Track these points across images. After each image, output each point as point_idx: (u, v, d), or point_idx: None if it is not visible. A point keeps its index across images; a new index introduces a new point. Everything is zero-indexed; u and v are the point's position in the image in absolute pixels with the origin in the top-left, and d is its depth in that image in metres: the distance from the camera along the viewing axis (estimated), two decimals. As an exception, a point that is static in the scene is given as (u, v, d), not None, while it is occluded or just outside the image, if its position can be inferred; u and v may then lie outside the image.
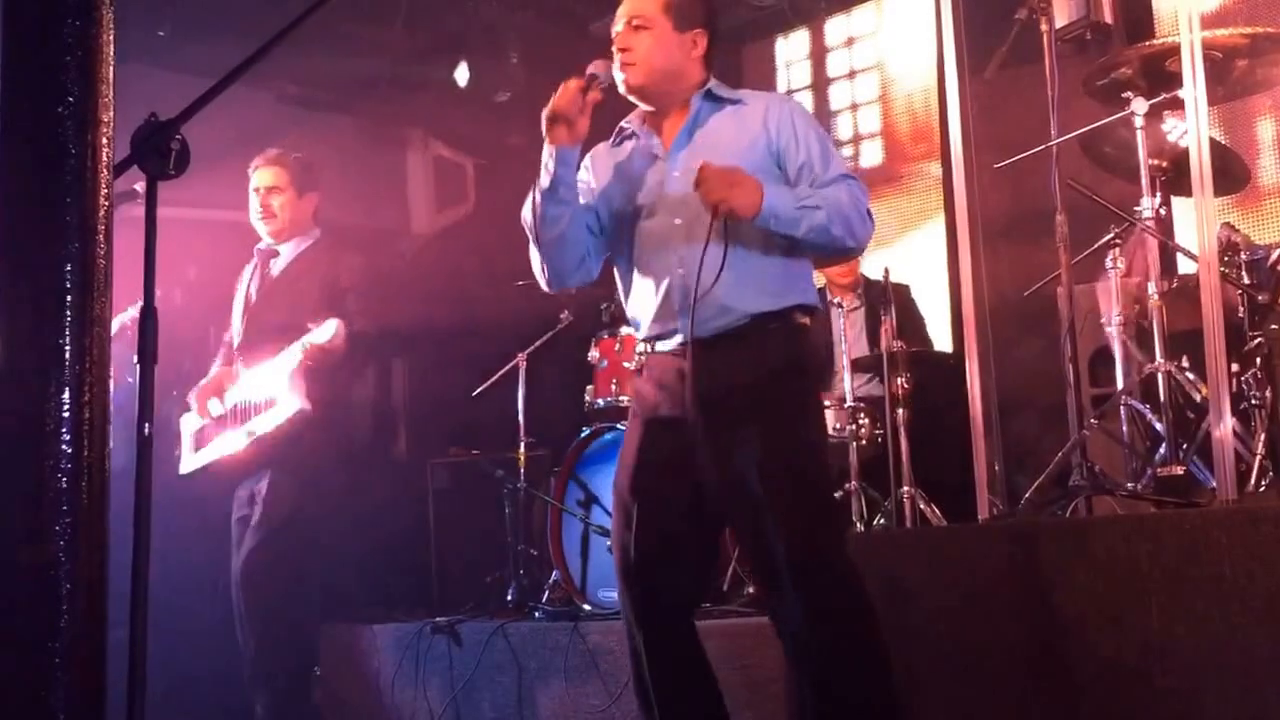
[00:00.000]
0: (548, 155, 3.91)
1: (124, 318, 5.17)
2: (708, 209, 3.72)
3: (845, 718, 3.68)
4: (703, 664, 3.95)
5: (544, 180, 3.92)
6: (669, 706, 3.89)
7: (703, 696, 3.94)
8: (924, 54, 7.57)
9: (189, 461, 5.89)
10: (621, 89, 4.00)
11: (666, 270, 3.92)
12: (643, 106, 4.08)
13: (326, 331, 5.50)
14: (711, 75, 4.09)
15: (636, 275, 4.03)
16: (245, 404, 5.71)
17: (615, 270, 4.15)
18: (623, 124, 4.15)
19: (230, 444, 5.73)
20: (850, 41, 8.48)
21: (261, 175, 5.94)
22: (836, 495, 6.09)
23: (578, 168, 4.00)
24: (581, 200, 4.05)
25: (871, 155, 7.97)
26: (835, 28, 8.56)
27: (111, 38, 2.50)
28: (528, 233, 4.02)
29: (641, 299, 4.02)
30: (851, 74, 8.41)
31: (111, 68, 2.49)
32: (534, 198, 3.93)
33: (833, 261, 6.30)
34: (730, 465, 3.76)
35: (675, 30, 3.99)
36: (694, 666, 3.93)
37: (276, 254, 5.96)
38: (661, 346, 3.97)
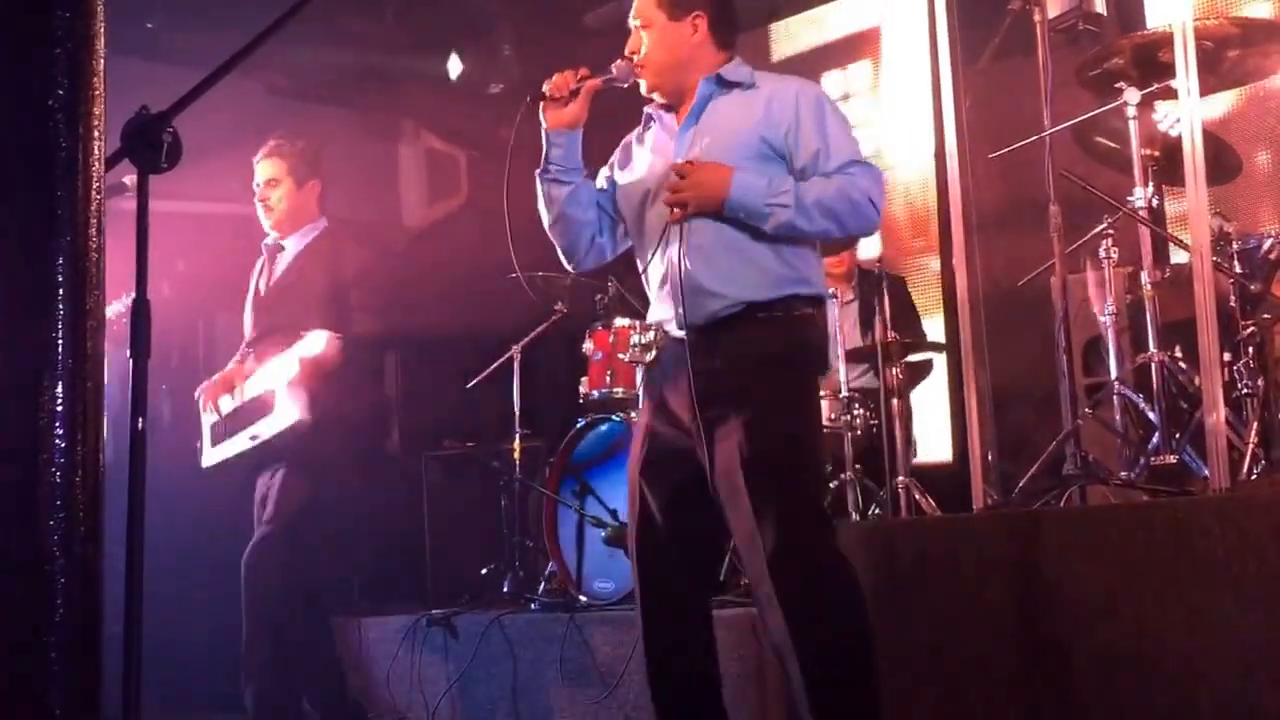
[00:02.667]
0: (543, 136, 3.99)
1: (111, 312, 5.17)
2: (674, 217, 3.83)
3: (832, 712, 3.67)
4: (709, 656, 3.96)
5: (543, 161, 4.01)
6: (668, 698, 3.91)
7: (705, 689, 3.95)
8: (922, 146, 7.38)
9: (209, 456, 5.86)
10: (644, 92, 4.07)
11: (665, 255, 3.94)
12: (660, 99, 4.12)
13: (316, 344, 5.48)
14: (732, 55, 4.10)
15: (643, 259, 4.08)
16: (250, 405, 5.71)
17: (636, 255, 4.20)
18: (646, 109, 4.18)
19: (237, 446, 5.73)
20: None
21: (260, 169, 5.91)
22: (831, 486, 6.11)
23: (581, 150, 4.05)
24: (602, 185, 4.15)
25: (869, 248, 7.62)
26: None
27: (102, 30, 2.49)
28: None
29: (649, 283, 4.07)
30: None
31: (102, 60, 2.49)
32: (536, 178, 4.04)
33: (831, 249, 6.29)
34: (717, 453, 3.78)
35: (671, 20, 4.00)
36: (700, 660, 3.95)
37: (282, 249, 5.93)
38: (668, 331, 3.98)
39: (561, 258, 4.22)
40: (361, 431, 6.05)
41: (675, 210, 3.82)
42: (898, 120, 7.97)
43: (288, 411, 5.49)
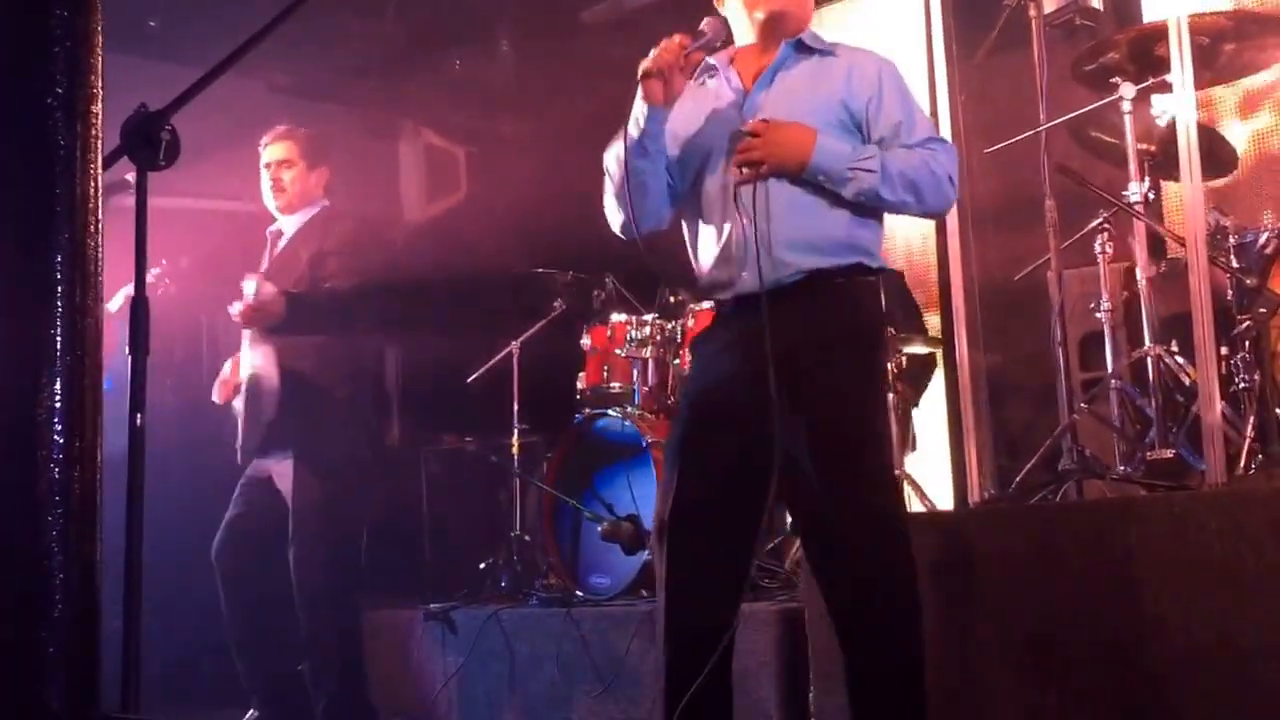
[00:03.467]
0: (640, 111, 3.79)
1: (112, 305, 5.20)
2: (746, 177, 3.69)
3: (883, 687, 3.61)
4: (727, 652, 3.76)
5: (633, 133, 3.80)
6: (679, 689, 3.72)
7: (719, 686, 3.76)
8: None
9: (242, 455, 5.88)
10: (760, 14, 3.91)
11: (729, 217, 3.80)
12: (744, 43, 3.99)
13: (248, 288, 5.56)
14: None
15: (702, 222, 3.92)
16: (235, 383, 5.77)
17: (683, 215, 4.02)
18: (709, 60, 4.01)
19: (239, 422, 5.76)
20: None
21: (272, 150, 5.94)
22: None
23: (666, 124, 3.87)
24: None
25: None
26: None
27: (101, 28, 2.50)
28: (607, 177, 3.92)
29: (705, 246, 3.91)
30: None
31: (101, 58, 2.50)
32: (621, 148, 3.82)
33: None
34: (789, 429, 3.61)
35: None
36: (719, 651, 3.73)
37: (282, 233, 5.97)
38: (721, 297, 3.86)
39: (618, 222, 3.96)
40: (369, 417, 6.07)
41: (746, 170, 3.69)
42: None
43: (248, 365, 5.61)
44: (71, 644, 2.32)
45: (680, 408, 4.00)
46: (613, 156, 3.88)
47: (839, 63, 3.89)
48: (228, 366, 5.93)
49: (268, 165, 5.92)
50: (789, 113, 3.77)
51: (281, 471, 5.69)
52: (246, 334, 5.69)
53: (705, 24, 3.84)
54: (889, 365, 6.07)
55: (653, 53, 3.76)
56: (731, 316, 3.84)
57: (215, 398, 5.92)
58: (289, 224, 5.97)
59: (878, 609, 3.61)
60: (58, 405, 2.33)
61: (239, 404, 5.76)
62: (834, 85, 3.83)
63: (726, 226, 3.81)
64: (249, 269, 5.91)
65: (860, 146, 3.75)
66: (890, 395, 6.13)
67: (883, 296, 3.88)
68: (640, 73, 3.75)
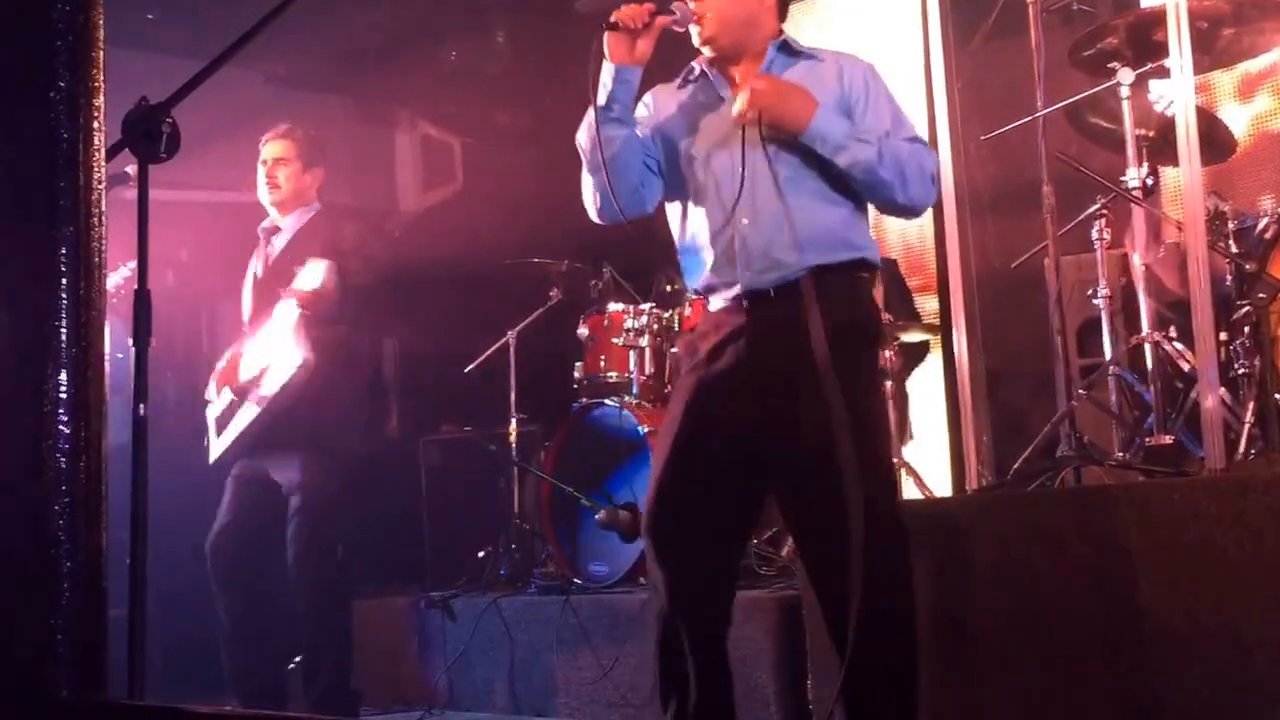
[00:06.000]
0: (605, 73, 3.80)
1: (116, 278, 5.23)
2: (744, 118, 3.68)
3: (876, 684, 3.60)
4: (722, 644, 3.82)
5: (600, 98, 3.80)
6: (671, 676, 3.77)
7: (713, 674, 3.79)
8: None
9: (216, 447, 5.86)
10: (696, 42, 3.89)
11: (723, 219, 3.79)
12: (710, 54, 3.95)
13: (315, 274, 5.57)
14: (782, 29, 3.98)
15: (691, 223, 3.91)
16: (252, 375, 5.73)
17: (670, 217, 4.02)
18: (693, 64, 4.01)
19: (246, 416, 5.74)
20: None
21: (270, 148, 5.99)
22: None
23: (638, 96, 3.89)
24: (640, 132, 3.92)
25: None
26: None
27: (102, 21, 2.50)
28: (582, 157, 3.89)
29: (697, 249, 3.90)
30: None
31: (103, 51, 2.50)
32: (589, 117, 3.81)
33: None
34: (786, 429, 3.65)
35: None
36: (714, 645, 3.80)
37: (278, 230, 5.98)
38: (716, 301, 3.85)
39: (595, 205, 3.93)
40: (368, 406, 6.10)
41: (747, 114, 3.66)
42: None
43: (291, 356, 5.53)
44: (79, 631, 2.34)
45: (673, 400, 3.99)
46: (584, 130, 3.86)
47: (827, 66, 3.89)
48: (226, 359, 5.94)
49: (264, 162, 5.97)
50: None
51: (282, 466, 5.69)
52: (278, 327, 5.66)
53: (676, 6, 3.82)
54: (887, 354, 6.11)
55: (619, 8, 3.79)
56: (731, 315, 3.82)
57: (212, 391, 5.90)
58: (286, 223, 5.99)
59: (872, 609, 3.55)
60: (63, 396, 2.34)
61: (227, 391, 5.77)
62: (829, 86, 3.83)
63: (721, 229, 3.81)
64: (247, 261, 5.93)
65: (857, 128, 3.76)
66: (889, 385, 6.17)
67: (880, 289, 3.90)
68: (605, 25, 3.76)
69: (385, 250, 6.04)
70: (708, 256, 3.85)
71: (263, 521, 5.68)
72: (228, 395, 5.80)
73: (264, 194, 5.98)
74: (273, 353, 5.62)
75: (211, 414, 5.89)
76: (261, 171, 5.97)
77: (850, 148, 3.68)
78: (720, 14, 3.85)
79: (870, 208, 3.89)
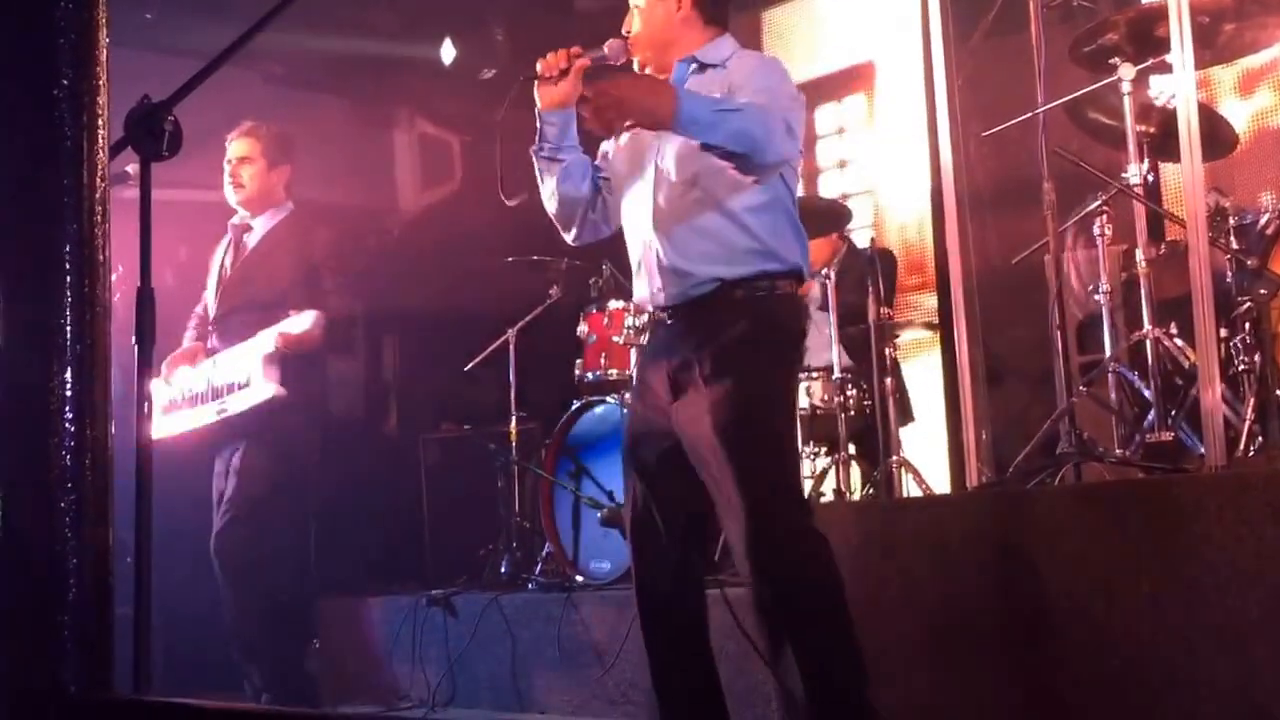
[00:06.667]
0: (536, 116, 4.01)
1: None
2: (593, 125, 3.78)
3: (819, 688, 3.64)
4: (699, 635, 3.95)
5: (537, 139, 4.02)
6: (662, 673, 3.92)
7: (697, 669, 3.94)
8: (918, 182, 7.14)
9: (158, 426, 5.84)
10: (636, 69, 4.02)
11: (639, 236, 3.97)
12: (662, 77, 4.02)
13: (303, 322, 5.58)
14: (723, 31, 4.04)
15: (627, 242, 4.07)
16: (220, 384, 5.74)
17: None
18: None
19: (200, 418, 5.76)
20: (844, 164, 8.24)
21: (234, 146, 6.02)
22: (826, 465, 6.15)
23: (576, 128, 4.03)
24: (599, 162, 4.14)
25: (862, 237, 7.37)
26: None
27: (105, 20, 2.51)
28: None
29: (632, 265, 4.05)
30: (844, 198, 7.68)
31: (105, 51, 2.50)
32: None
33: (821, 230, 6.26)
34: (690, 435, 3.79)
35: None
36: (689, 635, 3.94)
37: (249, 228, 5.99)
38: (646, 309, 4.04)
39: (560, 231, 4.20)
40: (327, 406, 6.12)
41: (592, 118, 3.73)
42: (893, 156, 7.85)
43: (262, 387, 5.56)
44: (86, 627, 2.36)
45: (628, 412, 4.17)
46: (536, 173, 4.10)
47: (731, 70, 3.92)
48: (185, 348, 5.98)
49: (229, 161, 5.99)
50: (677, 137, 3.81)
51: (233, 463, 5.77)
52: (253, 351, 5.67)
53: (608, 44, 3.98)
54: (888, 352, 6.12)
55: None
56: (654, 326, 4.04)
57: (164, 374, 5.91)
58: (257, 223, 6.03)
59: (783, 616, 3.70)
60: (69, 394, 2.35)
61: (182, 380, 5.84)
62: (717, 86, 3.84)
63: (639, 246, 3.97)
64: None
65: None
66: (889, 381, 6.18)
67: (795, 304, 3.98)
68: (526, 77, 3.98)
69: (364, 257, 6.05)
70: (633, 273, 4.04)
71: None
72: (182, 381, 5.82)
73: (230, 194, 6.00)
74: (244, 373, 5.66)
75: (164, 392, 5.89)
76: (226, 170, 5.99)
77: (722, 121, 3.61)
78: (642, 42, 4.00)
79: (793, 215, 3.94)
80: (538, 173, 4.08)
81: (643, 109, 3.64)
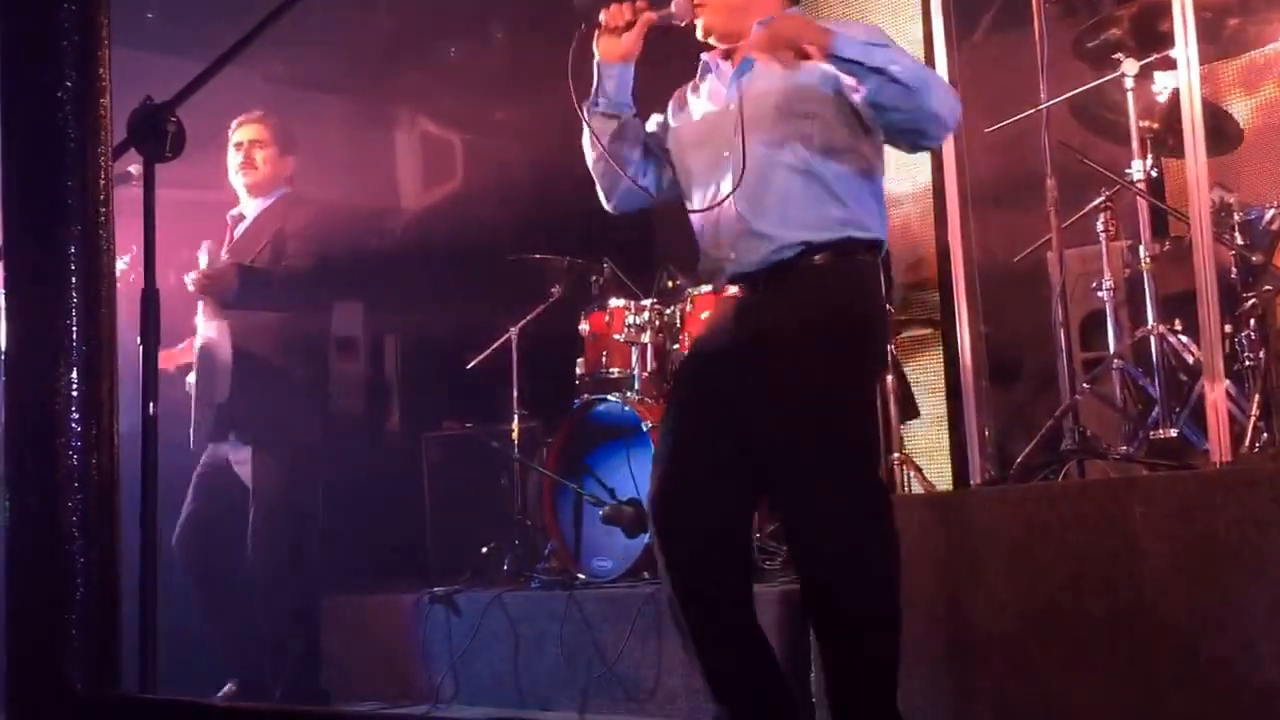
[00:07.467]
0: (595, 68, 3.91)
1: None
2: (758, 48, 3.65)
3: (857, 675, 3.62)
4: (740, 616, 3.79)
5: (593, 93, 3.92)
6: (706, 656, 3.76)
7: (743, 652, 3.79)
8: (921, 181, 7.18)
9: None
10: (700, 34, 3.92)
11: (714, 203, 3.81)
12: (721, 46, 3.96)
13: (202, 257, 5.63)
14: (796, 4, 3.99)
15: (693, 210, 3.94)
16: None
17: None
18: (703, 57, 4.03)
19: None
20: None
21: (245, 130, 5.98)
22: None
23: (632, 87, 3.94)
24: (652, 128, 4.05)
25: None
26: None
27: (108, 21, 2.50)
28: (585, 154, 4.02)
29: (698, 234, 3.94)
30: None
31: (109, 51, 2.50)
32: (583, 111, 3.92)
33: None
34: (770, 422, 3.64)
35: None
36: (730, 617, 3.77)
37: (244, 218, 5.98)
38: (708, 286, 3.93)
39: (601, 196, 4.08)
40: (332, 401, 6.10)
41: (762, 44, 3.62)
42: (895, 152, 7.71)
43: (201, 334, 5.59)
44: (93, 626, 2.36)
45: (672, 386, 4.03)
46: (586, 129, 3.96)
47: None
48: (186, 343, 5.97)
49: (239, 144, 5.95)
50: (769, 95, 3.77)
51: (240, 459, 5.75)
52: (201, 307, 5.67)
53: (675, 2, 3.86)
54: (887, 348, 6.09)
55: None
56: (720, 296, 3.88)
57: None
58: (251, 208, 6.01)
59: (845, 615, 3.61)
60: (75, 393, 2.35)
61: (191, 380, 5.76)
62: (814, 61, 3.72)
63: (713, 212, 3.82)
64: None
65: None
66: (889, 378, 6.17)
67: (878, 274, 3.87)
68: (590, 25, 3.85)
69: (342, 239, 5.99)
70: (701, 240, 3.91)
71: (224, 511, 5.73)
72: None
73: (238, 177, 5.96)
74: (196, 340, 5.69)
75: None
76: (236, 155, 5.95)
77: (874, 52, 3.56)
78: (715, 3, 3.86)
79: (880, 191, 3.88)
80: (589, 132, 3.94)
81: (812, 35, 3.54)
